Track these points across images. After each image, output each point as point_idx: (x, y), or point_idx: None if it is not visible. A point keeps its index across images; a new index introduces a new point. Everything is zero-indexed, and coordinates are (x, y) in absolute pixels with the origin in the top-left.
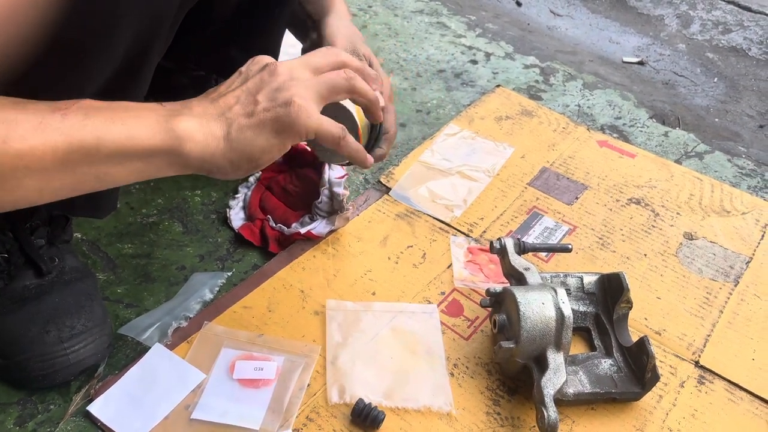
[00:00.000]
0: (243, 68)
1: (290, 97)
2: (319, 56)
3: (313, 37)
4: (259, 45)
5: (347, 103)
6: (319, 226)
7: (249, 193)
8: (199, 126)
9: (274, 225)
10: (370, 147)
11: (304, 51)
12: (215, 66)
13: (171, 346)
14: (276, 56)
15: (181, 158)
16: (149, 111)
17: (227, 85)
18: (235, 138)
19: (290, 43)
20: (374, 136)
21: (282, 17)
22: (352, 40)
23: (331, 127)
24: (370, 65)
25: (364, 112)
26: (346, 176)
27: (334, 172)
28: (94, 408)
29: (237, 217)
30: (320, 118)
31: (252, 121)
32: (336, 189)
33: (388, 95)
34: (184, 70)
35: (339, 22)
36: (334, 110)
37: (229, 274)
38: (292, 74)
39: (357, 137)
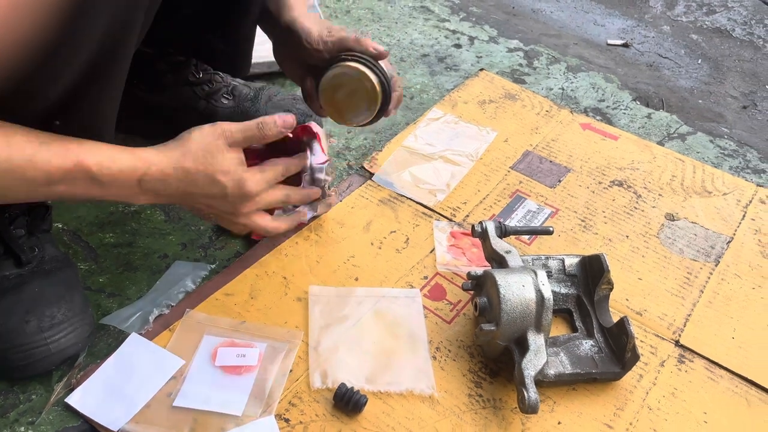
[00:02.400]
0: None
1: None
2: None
3: (276, 32)
4: (234, 28)
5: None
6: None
7: None
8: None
9: None
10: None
11: (276, 50)
12: (193, 50)
13: (152, 334)
14: (251, 39)
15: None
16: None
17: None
18: None
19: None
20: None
21: None
22: (324, 26)
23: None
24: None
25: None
26: (328, 162)
27: (315, 158)
28: (72, 399)
29: None
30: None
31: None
32: (318, 175)
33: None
34: (164, 55)
35: (305, 15)
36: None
37: (213, 266)
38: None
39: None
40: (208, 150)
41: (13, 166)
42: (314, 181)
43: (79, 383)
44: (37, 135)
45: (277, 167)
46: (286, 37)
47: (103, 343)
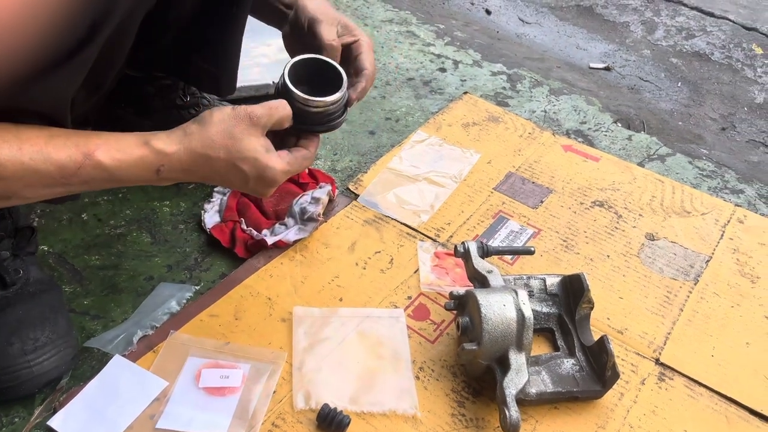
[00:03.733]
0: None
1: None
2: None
3: (290, 19)
4: (220, 48)
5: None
6: (289, 233)
7: (225, 198)
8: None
9: (245, 228)
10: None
11: (283, 38)
12: (179, 73)
13: (137, 355)
14: (237, 58)
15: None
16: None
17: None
18: None
19: (262, 52)
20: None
21: (240, 17)
22: (331, 15)
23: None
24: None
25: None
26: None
27: (321, 190)
28: (54, 422)
29: (211, 220)
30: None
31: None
32: (316, 195)
33: (369, 44)
34: (151, 79)
35: (313, 2)
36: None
37: (198, 287)
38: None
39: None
40: (229, 134)
41: (26, 159)
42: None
43: (61, 406)
44: (46, 129)
45: (303, 160)
46: (294, 21)
47: (86, 365)
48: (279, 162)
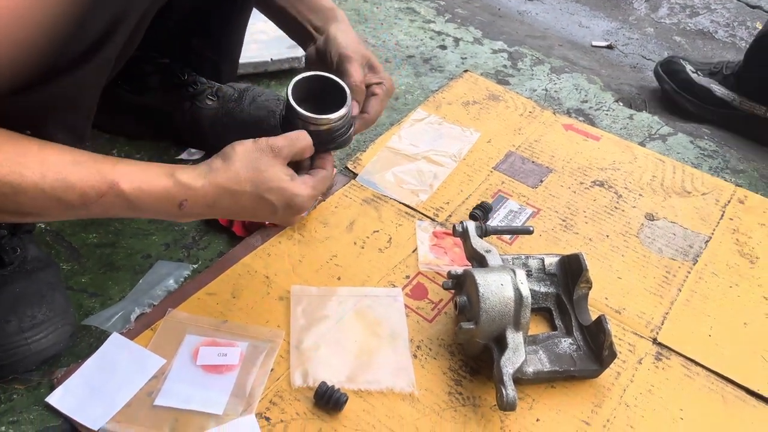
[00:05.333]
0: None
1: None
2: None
3: (318, 44)
4: (223, 37)
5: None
6: None
7: None
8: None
9: None
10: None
11: (307, 59)
12: (178, 55)
13: (134, 333)
14: (239, 47)
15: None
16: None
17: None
18: None
19: (260, 29)
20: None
21: (245, 8)
22: (361, 52)
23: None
24: (375, 68)
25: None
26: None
27: None
28: (53, 399)
29: None
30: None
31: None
32: None
33: (389, 91)
34: (150, 58)
35: (344, 35)
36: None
37: (196, 266)
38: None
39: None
40: (254, 167)
41: (47, 187)
42: None
43: (60, 383)
44: (71, 153)
45: (325, 180)
46: (322, 46)
47: (84, 342)
48: (304, 188)
